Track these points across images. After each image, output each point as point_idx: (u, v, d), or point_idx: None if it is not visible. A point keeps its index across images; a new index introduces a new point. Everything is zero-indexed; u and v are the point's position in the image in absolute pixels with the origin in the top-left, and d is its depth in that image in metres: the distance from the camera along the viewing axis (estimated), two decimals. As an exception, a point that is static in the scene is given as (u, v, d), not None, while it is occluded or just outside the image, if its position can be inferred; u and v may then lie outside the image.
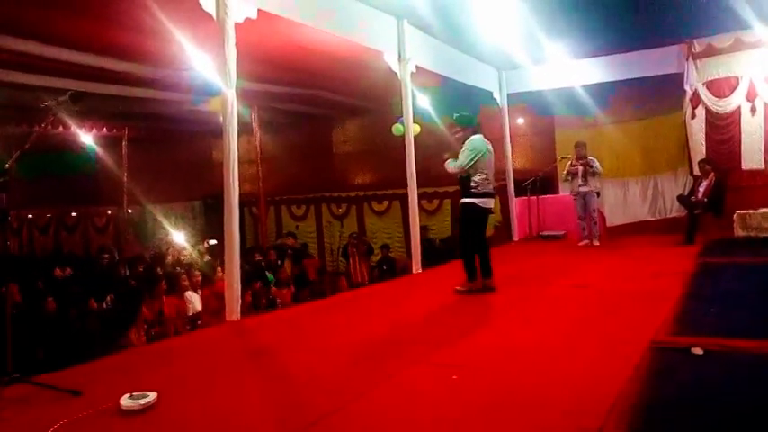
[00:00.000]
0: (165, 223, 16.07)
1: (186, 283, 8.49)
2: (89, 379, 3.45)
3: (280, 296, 9.20)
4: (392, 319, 5.24)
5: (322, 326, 5.01)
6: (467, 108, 6.65)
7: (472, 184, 5.74)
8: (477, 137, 5.82)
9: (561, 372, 3.26)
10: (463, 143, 5.82)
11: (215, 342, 4.59)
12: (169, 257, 11.64)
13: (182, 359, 4.08)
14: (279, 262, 11.10)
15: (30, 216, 20.96)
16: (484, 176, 5.75)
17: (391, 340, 4.29)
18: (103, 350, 5.96)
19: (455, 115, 6.11)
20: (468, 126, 5.93)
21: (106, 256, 11.65)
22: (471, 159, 5.68)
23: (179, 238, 14.12)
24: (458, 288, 5.92)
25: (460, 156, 5.75)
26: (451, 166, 5.82)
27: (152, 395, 2.95)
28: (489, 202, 5.88)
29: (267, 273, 9.88)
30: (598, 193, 9.54)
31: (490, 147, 5.92)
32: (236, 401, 3.07)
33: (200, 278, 8.80)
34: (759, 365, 3.28)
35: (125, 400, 2.90)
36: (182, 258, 11.52)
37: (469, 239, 5.87)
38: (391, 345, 4.13)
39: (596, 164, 9.24)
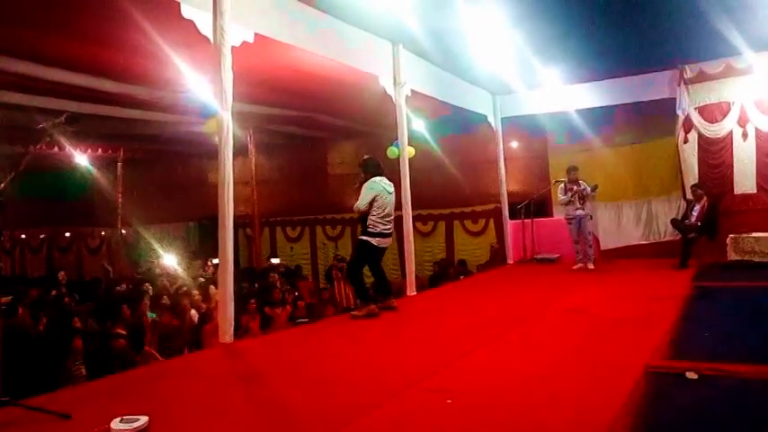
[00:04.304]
0: (159, 245, 16.06)
1: (187, 302, 8.56)
2: (79, 402, 3.41)
3: (274, 315, 9.17)
4: (385, 342, 5.23)
5: (313, 350, 4.97)
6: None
7: (369, 223, 6.14)
8: (376, 179, 6.25)
9: (556, 397, 3.25)
10: (362, 185, 6.28)
11: (207, 365, 4.55)
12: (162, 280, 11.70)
13: (173, 382, 4.04)
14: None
15: (23, 236, 20.89)
16: (381, 215, 6.14)
17: (384, 364, 4.27)
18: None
19: (361, 159, 6.63)
20: (370, 171, 6.35)
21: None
22: (366, 198, 6.10)
23: (170, 259, 14.13)
24: (354, 313, 6.28)
25: (359, 196, 6.18)
26: (355, 207, 6.23)
27: (143, 419, 2.91)
28: (385, 242, 6.30)
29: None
30: (591, 216, 9.58)
31: (390, 188, 6.35)
32: (228, 427, 3.03)
33: (198, 297, 8.86)
34: (753, 390, 3.27)
35: (116, 424, 2.85)
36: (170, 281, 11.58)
37: (359, 271, 6.43)
38: (385, 368, 4.10)
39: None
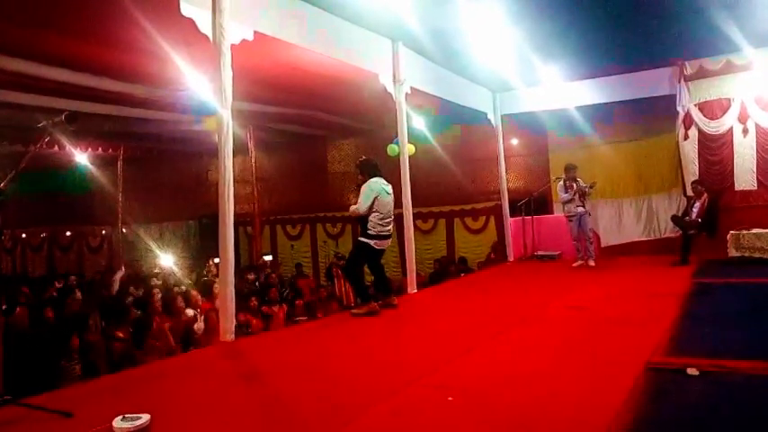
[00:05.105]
0: (159, 243, 16.09)
1: (182, 304, 8.53)
2: (81, 401, 3.41)
3: (272, 314, 9.18)
4: (386, 340, 5.23)
5: (314, 348, 4.97)
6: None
7: (369, 225, 6.10)
8: (375, 180, 6.20)
9: (557, 394, 3.25)
10: (360, 186, 6.24)
11: (208, 363, 4.55)
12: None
13: (175, 381, 4.04)
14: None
15: (24, 235, 20.91)
16: (381, 217, 6.11)
17: (385, 362, 4.27)
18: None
19: (358, 160, 6.60)
20: (368, 172, 6.31)
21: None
22: (368, 200, 6.05)
23: (169, 259, 14.15)
24: (354, 311, 6.28)
25: (359, 198, 6.13)
26: (352, 209, 6.20)
27: (145, 417, 2.91)
28: (384, 244, 6.27)
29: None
30: (589, 213, 9.60)
31: (389, 189, 6.30)
32: (229, 424, 3.03)
33: (198, 297, 8.84)
34: (754, 386, 3.28)
35: (118, 422, 2.86)
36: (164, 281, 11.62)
37: (358, 270, 6.39)
38: (385, 366, 4.11)
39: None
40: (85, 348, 7.05)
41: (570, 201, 9.31)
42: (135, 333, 7.59)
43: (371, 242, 6.12)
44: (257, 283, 11.23)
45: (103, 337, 7.70)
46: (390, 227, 6.25)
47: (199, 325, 8.13)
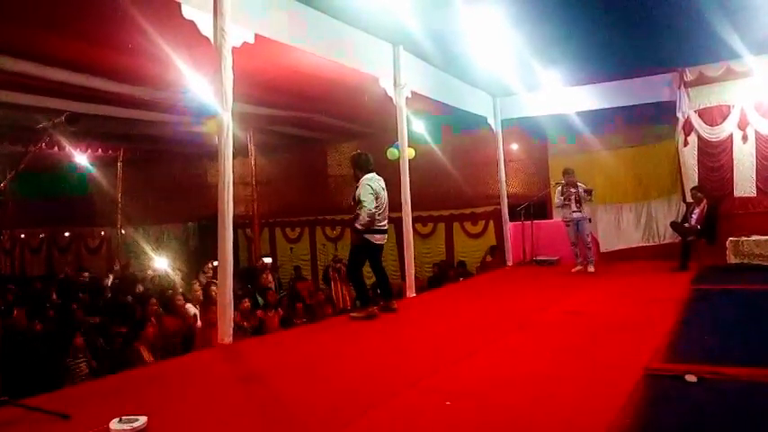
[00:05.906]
0: (158, 245, 16.07)
1: (182, 302, 8.52)
2: (78, 402, 3.41)
3: (267, 319, 9.13)
4: (385, 343, 5.22)
5: (313, 350, 4.96)
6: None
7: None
8: (370, 176, 6.18)
9: (554, 399, 3.24)
10: (357, 181, 6.19)
11: (206, 366, 4.54)
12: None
13: (172, 383, 4.04)
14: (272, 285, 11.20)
15: (22, 236, 20.90)
16: (377, 213, 6.07)
17: (383, 365, 4.26)
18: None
19: (352, 154, 6.54)
20: (361, 166, 6.27)
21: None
22: (372, 197, 6.01)
23: (166, 261, 14.13)
24: (353, 315, 6.29)
25: (361, 197, 6.03)
26: (364, 214, 6.01)
27: (142, 419, 2.91)
28: (381, 239, 6.25)
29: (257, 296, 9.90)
30: (590, 219, 9.57)
31: (383, 184, 6.28)
32: (227, 427, 3.03)
33: (199, 293, 8.83)
34: (752, 393, 3.27)
35: (115, 424, 2.86)
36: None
37: (358, 270, 6.36)
38: (384, 370, 4.10)
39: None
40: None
41: (564, 206, 9.31)
42: (128, 334, 7.58)
43: (367, 236, 6.11)
44: (249, 286, 11.21)
45: (102, 335, 7.72)
46: (385, 222, 6.25)
47: (200, 323, 8.14)
